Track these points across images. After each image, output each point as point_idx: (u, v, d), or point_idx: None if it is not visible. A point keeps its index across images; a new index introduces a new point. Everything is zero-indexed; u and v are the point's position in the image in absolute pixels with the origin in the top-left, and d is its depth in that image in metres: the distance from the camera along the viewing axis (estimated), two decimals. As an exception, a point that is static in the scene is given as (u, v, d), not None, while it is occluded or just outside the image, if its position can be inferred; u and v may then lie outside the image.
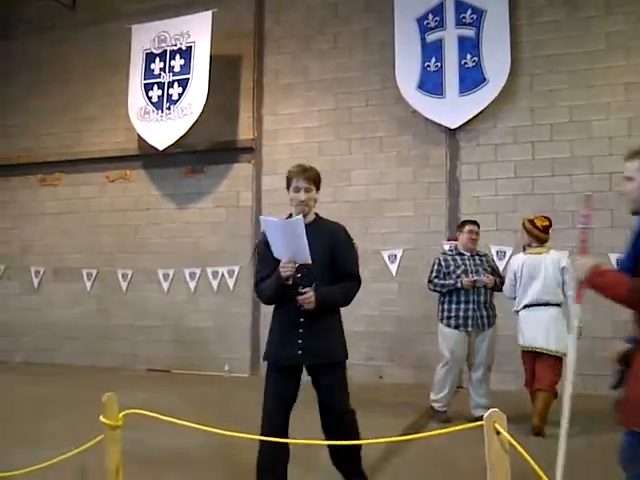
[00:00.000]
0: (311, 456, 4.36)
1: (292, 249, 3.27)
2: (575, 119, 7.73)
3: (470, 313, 5.76)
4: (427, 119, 8.33)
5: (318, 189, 3.56)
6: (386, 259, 8.33)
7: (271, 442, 3.24)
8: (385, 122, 8.65)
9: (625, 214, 7.19)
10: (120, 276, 9.83)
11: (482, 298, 5.80)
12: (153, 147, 9.50)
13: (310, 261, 3.28)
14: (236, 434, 2.81)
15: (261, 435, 3.32)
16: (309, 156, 8.91)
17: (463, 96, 8.21)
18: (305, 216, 3.41)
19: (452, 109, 8.25)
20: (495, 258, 7.36)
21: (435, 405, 5.97)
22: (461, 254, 5.98)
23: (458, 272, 5.81)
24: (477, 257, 5.99)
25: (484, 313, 5.81)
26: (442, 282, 5.88)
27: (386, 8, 8.59)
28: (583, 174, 7.61)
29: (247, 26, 9.44)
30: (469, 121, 8.18)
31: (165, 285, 9.55)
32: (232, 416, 5.77)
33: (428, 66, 8.41)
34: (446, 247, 7.04)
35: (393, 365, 8.22)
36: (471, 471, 3.81)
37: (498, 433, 2.13)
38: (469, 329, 5.78)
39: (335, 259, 3.49)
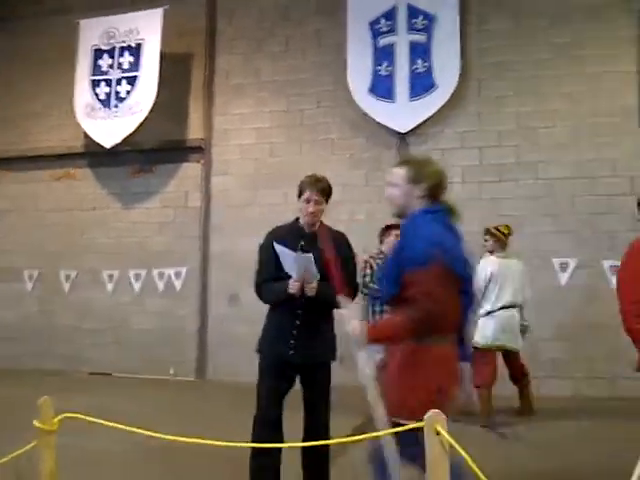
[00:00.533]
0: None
1: (301, 272, 3.44)
2: (522, 125, 7.89)
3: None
4: (378, 122, 8.37)
5: (328, 200, 3.66)
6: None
7: (266, 432, 3.47)
8: (337, 124, 8.66)
9: (569, 219, 7.41)
10: (63, 277, 9.56)
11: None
12: (100, 145, 9.27)
13: (316, 285, 3.46)
14: (177, 438, 2.74)
15: (255, 423, 3.55)
16: (260, 157, 8.88)
17: (413, 101, 8.29)
18: (313, 226, 3.61)
19: (403, 113, 8.31)
20: None
21: None
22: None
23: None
24: None
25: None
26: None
27: (339, 11, 8.61)
28: (528, 179, 7.77)
29: (199, 25, 9.32)
30: (419, 125, 8.26)
31: (110, 286, 9.32)
32: (174, 420, 5.66)
33: (379, 70, 8.46)
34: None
35: (341, 366, 8.18)
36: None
37: (438, 434, 2.14)
38: None
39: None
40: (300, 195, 3.62)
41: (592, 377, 7.21)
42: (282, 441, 3.53)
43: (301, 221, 3.67)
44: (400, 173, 2.79)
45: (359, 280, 5.80)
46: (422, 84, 8.27)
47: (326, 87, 8.72)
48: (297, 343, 3.57)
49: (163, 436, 2.74)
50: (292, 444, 3.52)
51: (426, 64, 8.30)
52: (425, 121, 8.23)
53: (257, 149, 8.89)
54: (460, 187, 7.99)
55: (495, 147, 7.94)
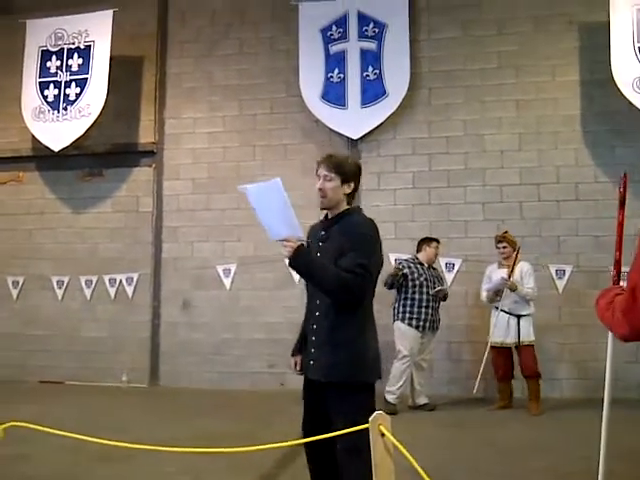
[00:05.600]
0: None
1: (282, 221, 2.92)
2: (469, 132, 8.09)
3: (429, 317, 6.71)
4: (330, 129, 8.45)
5: (347, 180, 3.04)
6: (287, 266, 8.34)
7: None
8: (290, 130, 8.70)
9: (515, 224, 7.60)
10: (10, 283, 9.32)
11: (436, 305, 6.83)
12: (48, 148, 9.09)
13: (301, 235, 2.96)
14: (129, 445, 2.74)
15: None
16: (213, 161, 8.85)
17: (365, 107, 8.40)
18: (330, 209, 3.09)
19: (354, 120, 8.41)
20: (444, 270, 7.79)
21: (389, 397, 6.58)
22: (422, 264, 6.88)
23: (421, 280, 6.72)
24: (432, 269, 6.99)
25: (437, 317, 6.85)
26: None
27: (292, 17, 8.65)
28: (476, 185, 7.97)
29: (150, 28, 9.23)
30: (370, 132, 8.37)
31: (59, 292, 9.13)
32: (126, 427, 5.60)
33: (331, 77, 8.54)
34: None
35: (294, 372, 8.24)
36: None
37: (383, 435, 2.20)
38: (425, 330, 6.70)
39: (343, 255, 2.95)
40: None
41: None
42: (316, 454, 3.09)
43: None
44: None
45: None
46: (373, 91, 8.39)
47: (279, 93, 8.76)
48: (313, 354, 3.04)
49: (117, 443, 2.74)
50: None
51: (377, 71, 8.42)
52: (376, 128, 8.34)
53: (209, 153, 8.86)
54: (411, 192, 8.16)
55: (444, 154, 8.11)
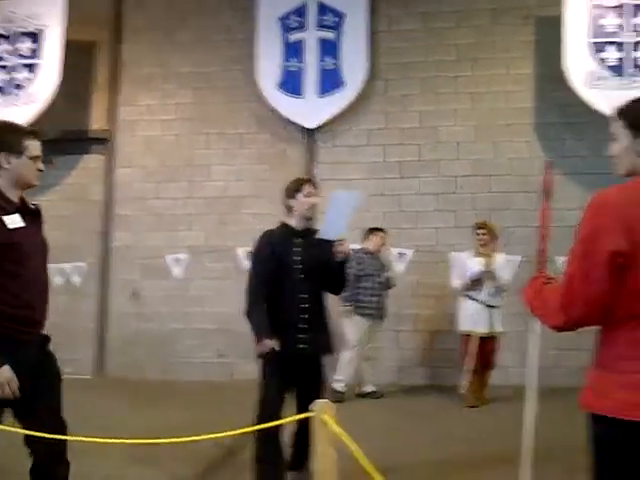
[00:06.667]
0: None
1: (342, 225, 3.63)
2: (425, 124, 8.05)
3: (376, 305, 6.72)
4: (286, 118, 8.34)
5: None
6: (241, 256, 8.21)
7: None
8: (245, 119, 8.57)
9: (468, 215, 7.58)
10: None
11: (383, 293, 6.82)
12: (-4, 134, 8.82)
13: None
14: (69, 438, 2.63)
15: (262, 420, 3.47)
16: (165, 149, 8.68)
17: (322, 97, 8.32)
18: (308, 221, 3.84)
19: (310, 110, 8.32)
20: (397, 260, 7.68)
21: (337, 385, 6.54)
22: (368, 254, 6.85)
23: (370, 269, 6.72)
24: (378, 258, 6.96)
25: (384, 306, 6.85)
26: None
27: (250, 5, 8.54)
28: (430, 177, 7.92)
29: (105, 13, 9.02)
30: (327, 122, 8.29)
31: (4, 282, 8.84)
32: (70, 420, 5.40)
33: (289, 66, 8.44)
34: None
35: (245, 362, 8.09)
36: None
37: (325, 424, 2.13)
38: (373, 319, 6.74)
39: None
40: (295, 194, 3.74)
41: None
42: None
43: (294, 221, 3.78)
44: None
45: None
46: (331, 81, 8.31)
47: (235, 81, 8.62)
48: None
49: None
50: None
51: (335, 61, 8.35)
52: (333, 118, 8.26)
53: (163, 141, 8.68)
54: (365, 183, 8.07)
55: (399, 145, 8.06)
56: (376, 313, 6.74)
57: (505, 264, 6.54)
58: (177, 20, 8.91)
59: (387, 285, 6.88)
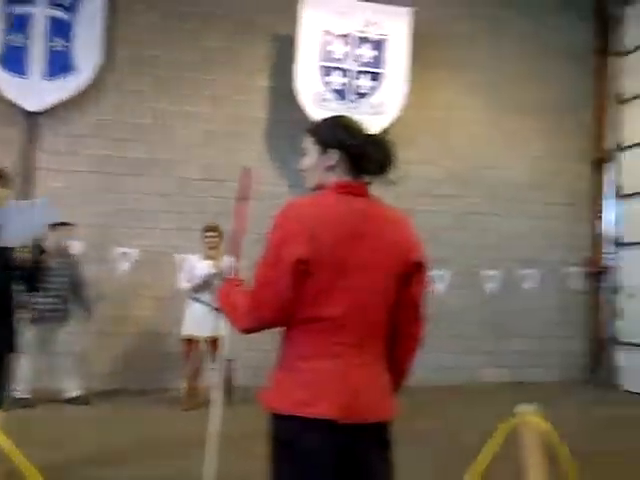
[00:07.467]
0: None
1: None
2: (159, 122, 7.89)
3: (50, 306, 6.31)
4: (7, 98, 7.56)
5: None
6: None
7: None
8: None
9: (197, 217, 7.57)
10: None
11: (67, 294, 6.49)
12: None
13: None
14: None
15: None
16: None
17: (49, 80, 7.70)
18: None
19: (35, 92, 7.65)
20: (122, 259, 7.32)
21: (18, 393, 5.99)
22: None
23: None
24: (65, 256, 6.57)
25: (66, 307, 6.49)
26: None
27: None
28: (159, 176, 7.79)
29: None
30: (54, 108, 7.68)
31: None
32: None
33: (12, 41, 7.68)
34: None
35: None
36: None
37: None
38: (51, 322, 6.34)
39: None
40: None
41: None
42: None
43: None
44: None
45: None
46: (60, 64, 7.73)
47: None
48: None
49: None
50: None
51: (66, 44, 7.79)
52: (60, 104, 7.69)
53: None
54: (94, 177, 7.65)
55: (131, 140, 7.78)
56: (53, 315, 6.31)
57: (233, 267, 6.59)
58: None
59: (74, 284, 6.48)
